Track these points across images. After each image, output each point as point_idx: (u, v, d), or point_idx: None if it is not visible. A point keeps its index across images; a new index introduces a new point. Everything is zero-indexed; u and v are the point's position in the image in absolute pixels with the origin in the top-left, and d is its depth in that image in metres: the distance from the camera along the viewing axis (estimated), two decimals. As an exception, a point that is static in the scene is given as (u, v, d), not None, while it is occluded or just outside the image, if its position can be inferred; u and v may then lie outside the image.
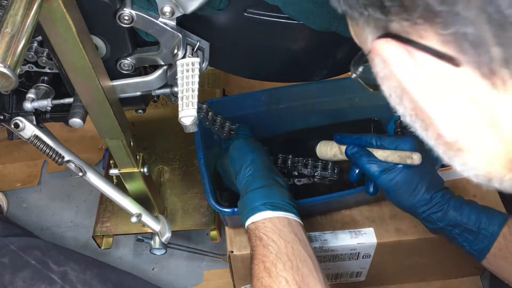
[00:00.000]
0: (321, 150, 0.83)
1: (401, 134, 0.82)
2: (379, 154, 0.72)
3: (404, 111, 0.36)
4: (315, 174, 0.92)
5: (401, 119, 0.37)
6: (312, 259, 0.64)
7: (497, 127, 0.32)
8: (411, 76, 0.32)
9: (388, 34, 0.32)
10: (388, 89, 0.36)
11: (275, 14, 0.58)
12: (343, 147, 0.78)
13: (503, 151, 0.33)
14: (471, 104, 0.31)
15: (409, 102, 0.35)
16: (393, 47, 0.32)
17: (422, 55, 0.31)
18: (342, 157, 0.79)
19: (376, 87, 0.39)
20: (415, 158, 0.69)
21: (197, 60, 0.58)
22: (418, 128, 0.36)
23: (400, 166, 0.69)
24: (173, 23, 0.56)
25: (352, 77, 0.54)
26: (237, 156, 0.76)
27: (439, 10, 0.28)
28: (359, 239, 0.83)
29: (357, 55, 0.51)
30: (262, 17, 0.58)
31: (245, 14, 0.58)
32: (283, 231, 0.65)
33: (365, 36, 0.35)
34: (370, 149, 0.74)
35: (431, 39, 0.30)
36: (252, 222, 0.67)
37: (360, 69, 0.53)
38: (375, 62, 0.36)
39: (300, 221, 0.68)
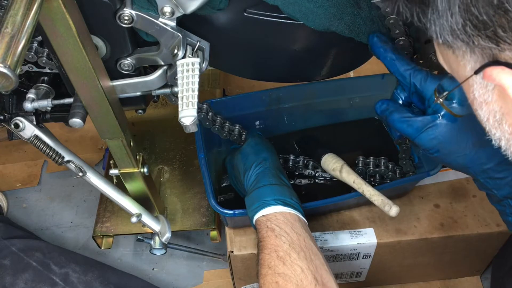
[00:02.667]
0: (326, 160, 0.85)
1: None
2: (368, 189, 0.75)
3: (501, 134, 0.37)
4: (316, 174, 0.92)
5: (494, 142, 0.39)
6: (322, 255, 0.65)
7: None
8: None
9: (497, 62, 0.33)
10: (486, 113, 0.37)
11: (275, 14, 0.58)
12: (345, 169, 0.80)
13: None
14: None
15: (509, 126, 0.36)
16: (510, 73, 0.33)
17: None
18: (338, 175, 0.81)
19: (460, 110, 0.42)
20: (393, 210, 0.71)
21: (197, 60, 0.58)
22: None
23: (441, 119, 0.57)
24: (173, 23, 0.56)
25: (438, 102, 0.55)
26: (250, 152, 0.77)
27: None
28: (359, 239, 0.83)
29: (439, 85, 0.53)
30: (262, 17, 0.58)
31: (245, 14, 0.58)
32: (295, 225, 0.65)
33: (463, 63, 0.36)
34: (361, 184, 0.75)
35: None
36: (263, 215, 0.67)
37: (445, 93, 0.54)
38: (473, 88, 0.37)
39: (306, 221, 0.69)
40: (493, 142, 0.38)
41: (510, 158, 0.38)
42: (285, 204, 0.68)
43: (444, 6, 0.32)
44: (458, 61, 0.37)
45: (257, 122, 0.96)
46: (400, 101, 0.63)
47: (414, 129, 0.58)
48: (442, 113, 0.57)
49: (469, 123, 0.56)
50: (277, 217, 0.66)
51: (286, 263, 0.61)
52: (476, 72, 0.35)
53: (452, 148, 0.58)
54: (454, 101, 0.54)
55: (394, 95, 0.64)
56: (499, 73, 0.33)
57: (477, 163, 0.58)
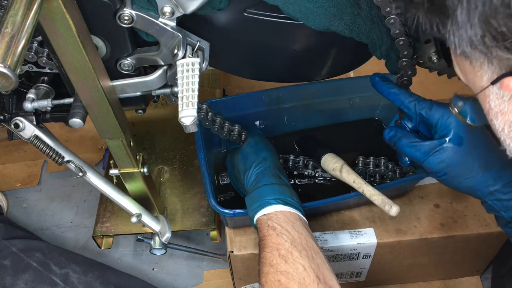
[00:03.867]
0: (326, 160, 0.85)
1: None
2: (368, 189, 0.75)
3: None
4: (316, 174, 0.92)
5: (508, 153, 0.40)
6: (323, 254, 0.65)
7: None
8: None
9: None
10: (502, 123, 0.38)
11: (275, 14, 0.58)
12: (345, 169, 0.80)
13: None
14: None
15: None
16: None
17: None
18: (338, 175, 0.81)
19: (478, 121, 0.43)
20: (393, 209, 0.71)
21: (197, 60, 0.58)
22: None
23: (448, 143, 0.59)
24: (173, 23, 0.56)
25: (453, 113, 0.56)
26: (250, 151, 0.78)
27: None
28: (359, 239, 0.83)
29: (455, 96, 0.53)
30: (262, 17, 0.58)
31: (245, 14, 0.58)
32: (296, 224, 0.66)
33: (480, 73, 0.37)
34: (361, 184, 0.75)
35: None
36: (264, 214, 0.67)
37: (460, 103, 0.55)
38: (489, 99, 0.38)
39: (306, 221, 0.69)
40: (507, 152, 0.39)
41: None
42: (285, 203, 0.68)
43: (463, 18, 0.33)
44: (475, 71, 0.38)
45: (257, 122, 0.96)
46: (407, 129, 0.66)
47: (422, 153, 0.61)
48: (448, 137, 0.59)
49: (475, 146, 0.59)
50: (278, 216, 0.66)
51: (288, 261, 0.60)
52: (493, 82, 0.36)
53: (459, 171, 0.60)
54: (467, 119, 0.56)
55: (402, 124, 0.67)
56: None
57: (484, 185, 0.59)
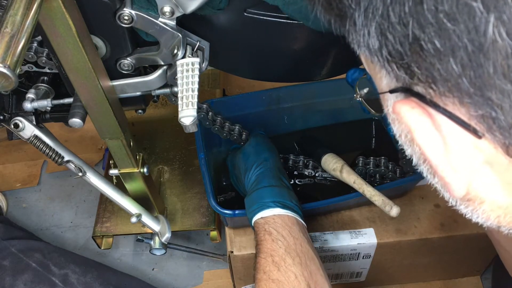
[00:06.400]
0: (326, 160, 0.85)
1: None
2: (368, 189, 0.74)
3: (411, 152, 0.35)
4: (316, 174, 0.92)
5: (407, 156, 0.36)
6: (319, 260, 0.65)
7: None
8: (427, 137, 0.31)
9: (410, 90, 0.30)
10: (399, 130, 0.34)
11: (275, 14, 0.58)
12: (345, 169, 0.80)
13: None
14: (486, 165, 0.30)
15: (420, 148, 0.33)
16: (417, 114, 0.30)
17: (443, 118, 0.29)
18: (338, 175, 0.81)
19: (379, 109, 0.37)
20: (393, 210, 0.70)
21: (197, 60, 0.58)
22: (425, 171, 0.35)
23: None
24: (173, 23, 0.56)
25: (357, 99, 0.53)
26: (252, 152, 0.77)
27: (470, 92, 0.26)
28: (359, 239, 0.83)
29: (362, 78, 0.48)
30: (262, 17, 0.58)
31: (245, 14, 0.58)
32: (292, 229, 0.65)
33: (379, 76, 0.33)
34: (362, 184, 0.74)
35: (457, 110, 0.28)
36: (262, 217, 0.67)
37: (365, 90, 0.52)
38: (388, 103, 0.34)
39: (305, 224, 0.69)
40: (407, 156, 0.36)
41: (423, 174, 0.36)
42: (284, 206, 0.68)
43: (361, 22, 0.29)
44: (376, 72, 0.34)
45: (257, 122, 0.96)
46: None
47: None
48: None
49: None
50: (275, 220, 0.66)
51: (280, 269, 0.61)
52: (391, 91, 0.32)
53: None
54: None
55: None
56: (406, 112, 0.30)
57: None
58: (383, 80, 0.33)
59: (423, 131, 0.30)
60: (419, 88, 0.29)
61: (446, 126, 0.29)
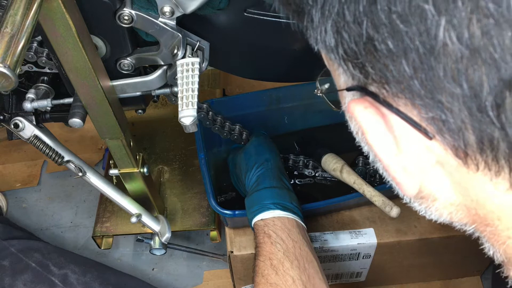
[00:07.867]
0: (326, 160, 0.85)
1: None
2: (368, 190, 0.74)
3: (368, 149, 0.35)
4: (316, 174, 0.92)
5: (364, 153, 0.36)
6: (318, 262, 0.64)
7: (465, 192, 0.31)
8: (378, 138, 0.31)
9: (363, 89, 0.30)
10: (355, 127, 0.35)
11: (275, 14, 0.58)
12: (346, 170, 0.80)
13: (467, 209, 0.32)
14: (437, 165, 0.31)
15: (371, 148, 0.33)
16: (370, 114, 0.30)
17: (395, 118, 0.29)
18: (338, 176, 0.81)
19: (339, 106, 0.38)
20: (394, 210, 0.70)
21: (197, 60, 0.58)
22: (380, 168, 0.35)
23: None
24: (173, 23, 0.56)
25: (318, 94, 0.53)
26: (253, 152, 0.77)
27: (421, 94, 0.26)
28: (359, 239, 0.83)
29: (323, 71, 0.48)
30: (262, 17, 0.58)
31: (245, 14, 0.58)
32: (292, 231, 0.65)
33: (337, 73, 0.33)
34: (362, 184, 0.74)
35: (409, 111, 0.28)
36: (262, 219, 0.67)
37: (326, 85, 0.51)
38: (345, 100, 0.34)
39: (305, 225, 0.69)
40: (364, 153, 0.36)
41: (379, 171, 0.36)
42: (284, 208, 0.67)
43: (318, 19, 0.29)
44: (334, 69, 0.34)
45: (257, 122, 0.96)
46: None
47: None
48: None
49: None
50: (275, 222, 0.66)
51: (278, 272, 0.61)
52: (348, 89, 0.32)
53: None
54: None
55: None
56: (359, 112, 0.31)
57: None
58: (341, 77, 0.33)
59: (375, 131, 0.31)
60: (373, 88, 0.30)
61: (398, 126, 0.29)
